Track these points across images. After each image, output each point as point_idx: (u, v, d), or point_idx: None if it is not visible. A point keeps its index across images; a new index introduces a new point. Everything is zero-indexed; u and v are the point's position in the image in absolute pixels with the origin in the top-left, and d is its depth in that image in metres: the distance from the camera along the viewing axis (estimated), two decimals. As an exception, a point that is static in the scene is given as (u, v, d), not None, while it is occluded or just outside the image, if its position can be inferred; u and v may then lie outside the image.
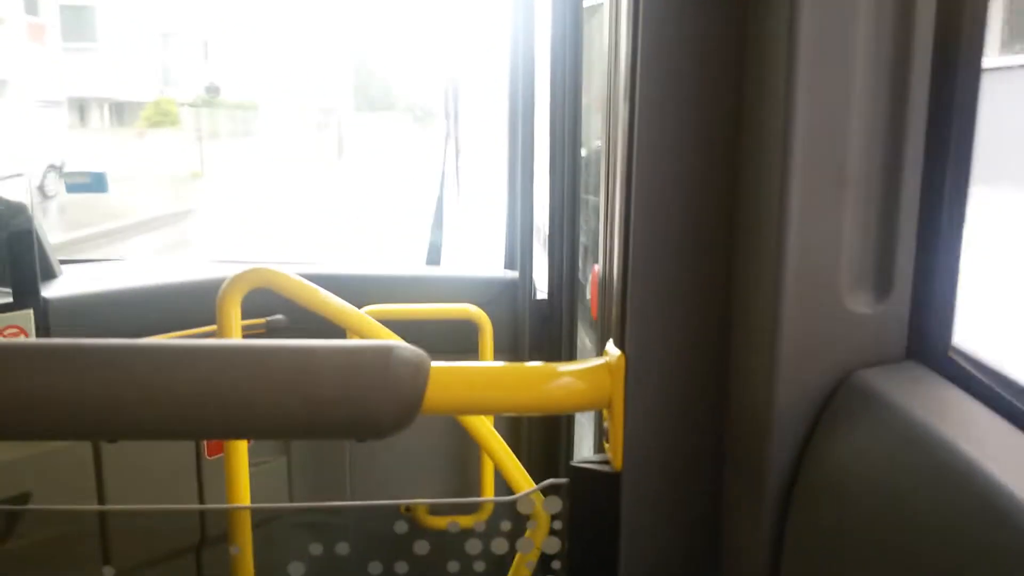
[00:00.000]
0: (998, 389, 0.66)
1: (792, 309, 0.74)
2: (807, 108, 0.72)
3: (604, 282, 0.99)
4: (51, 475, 1.91)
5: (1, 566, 1.82)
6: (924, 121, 0.73)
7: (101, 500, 2.02)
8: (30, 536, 1.86)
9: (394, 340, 0.91)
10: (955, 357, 0.73)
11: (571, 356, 2.29)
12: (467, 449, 2.32)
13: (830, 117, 0.72)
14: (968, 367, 0.71)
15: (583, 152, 2.30)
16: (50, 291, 1.99)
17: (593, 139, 2.46)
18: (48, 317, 1.93)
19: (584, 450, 2.42)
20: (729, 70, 0.82)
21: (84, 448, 1.97)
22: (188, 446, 2.14)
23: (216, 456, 2.15)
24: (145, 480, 2.04)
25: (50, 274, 2.15)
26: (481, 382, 0.90)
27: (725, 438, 0.88)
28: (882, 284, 0.75)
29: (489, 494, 2.21)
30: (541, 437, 2.35)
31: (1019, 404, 0.64)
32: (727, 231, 0.84)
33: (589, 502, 0.92)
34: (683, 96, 0.82)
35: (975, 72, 0.72)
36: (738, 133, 0.82)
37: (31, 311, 1.89)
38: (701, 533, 0.91)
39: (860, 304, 0.75)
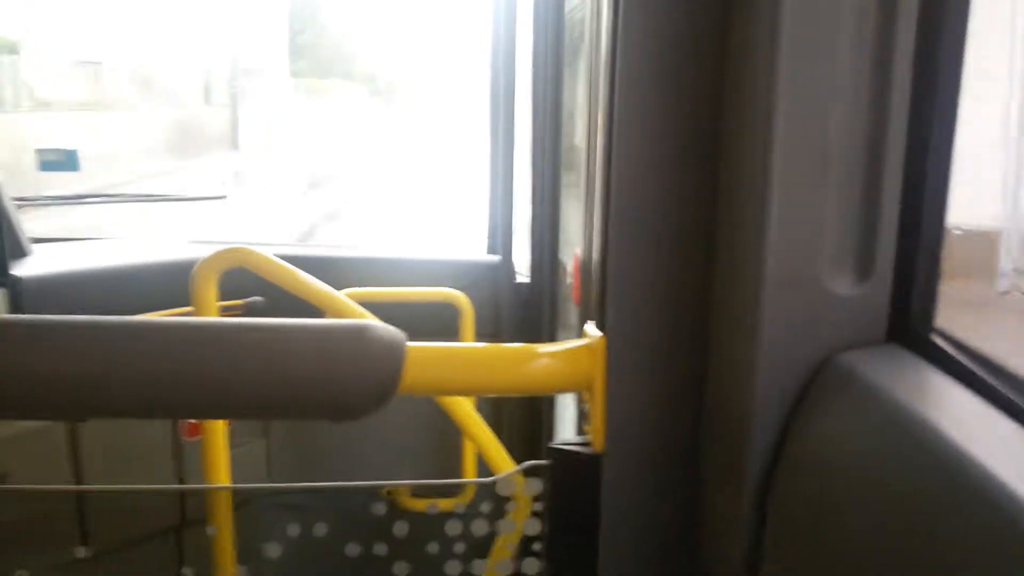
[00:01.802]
0: (979, 371, 0.66)
1: (772, 290, 0.74)
2: (789, 89, 0.71)
3: (585, 265, 0.99)
4: (27, 457, 1.89)
5: None
6: (907, 101, 0.73)
7: (78, 481, 2.00)
8: (5, 516, 1.83)
9: (370, 319, 0.90)
10: (936, 339, 0.73)
11: (552, 339, 2.29)
12: (448, 431, 2.32)
13: (812, 98, 0.72)
14: (949, 349, 0.71)
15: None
16: (21, 270, 1.96)
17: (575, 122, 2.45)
18: (19, 296, 1.90)
19: (565, 432, 2.43)
20: (711, 51, 0.81)
21: (60, 430, 1.95)
22: (166, 428, 2.13)
23: (195, 439, 2.13)
24: (123, 463, 2.02)
25: (20, 253, 2.12)
26: (460, 362, 0.90)
27: (705, 419, 0.88)
28: (863, 266, 0.75)
29: (470, 475, 2.21)
30: (522, 419, 2.35)
31: (1000, 386, 0.64)
32: (708, 212, 0.84)
33: (570, 483, 0.92)
34: (663, 77, 0.82)
35: (958, 52, 0.72)
36: (719, 114, 0.82)
37: (1, 290, 1.86)
38: (682, 514, 0.91)
39: (841, 286, 0.75)
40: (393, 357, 0.81)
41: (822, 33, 0.71)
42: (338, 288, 1.76)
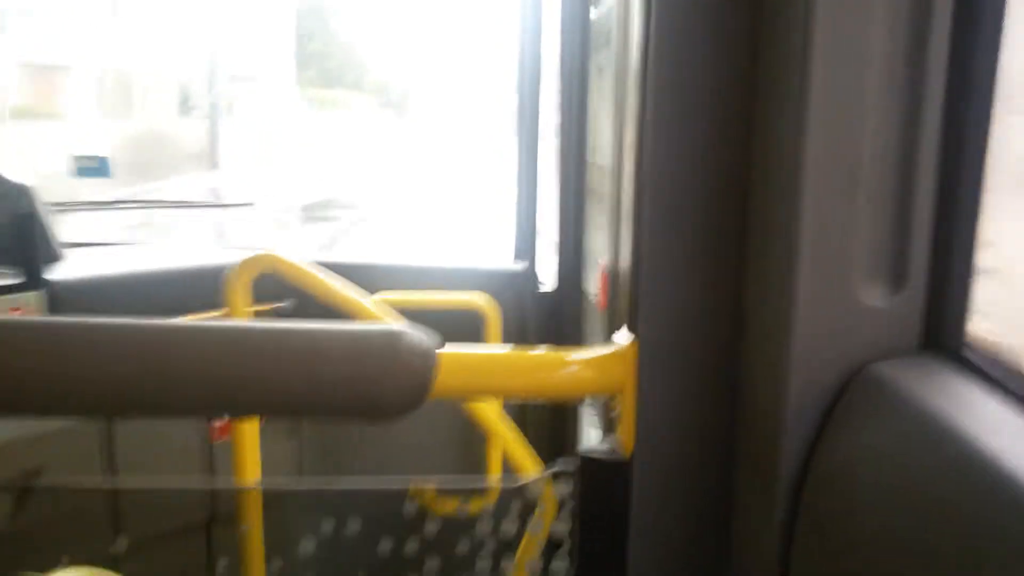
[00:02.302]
0: (1015, 381, 0.66)
1: (805, 300, 0.74)
2: (821, 98, 0.71)
3: (613, 271, 0.99)
4: (62, 454, 1.92)
5: (12, 542, 1.83)
6: (940, 109, 0.73)
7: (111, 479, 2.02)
8: (41, 512, 1.86)
9: (404, 325, 0.91)
10: (971, 349, 0.73)
11: (578, 346, 2.29)
12: (475, 434, 2.33)
13: (845, 107, 0.72)
14: (984, 359, 0.70)
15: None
16: (54, 274, 1.99)
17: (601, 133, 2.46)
18: (53, 300, 1.93)
19: (590, 434, 2.42)
20: (743, 60, 0.81)
21: (94, 428, 1.97)
22: (198, 428, 2.15)
23: (225, 439, 2.15)
24: (156, 462, 2.04)
25: (54, 257, 2.15)
26: (491, 367, 0.90)
27: (736, 428, 0.88)
28: (896, 276, 0.75)
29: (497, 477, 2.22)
30: (547, 421, 2.35)
31: None
32: (740, 220, 0.84)
33: (599, 488, 0.92)
34: (696, 86, 0.82)
35: (992, 61, 0.72)
36: (752, 122, 0.82)
37: (36, 294, 1.89)
38: (711, 522, 0.91)
39: (874, 296, 0.75)
40: (426, 362, 0.82)
41: (854, 42, 0.71)
42: (365, 294, 1.78)
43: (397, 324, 0.85)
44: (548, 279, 2.41)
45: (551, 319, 2.37)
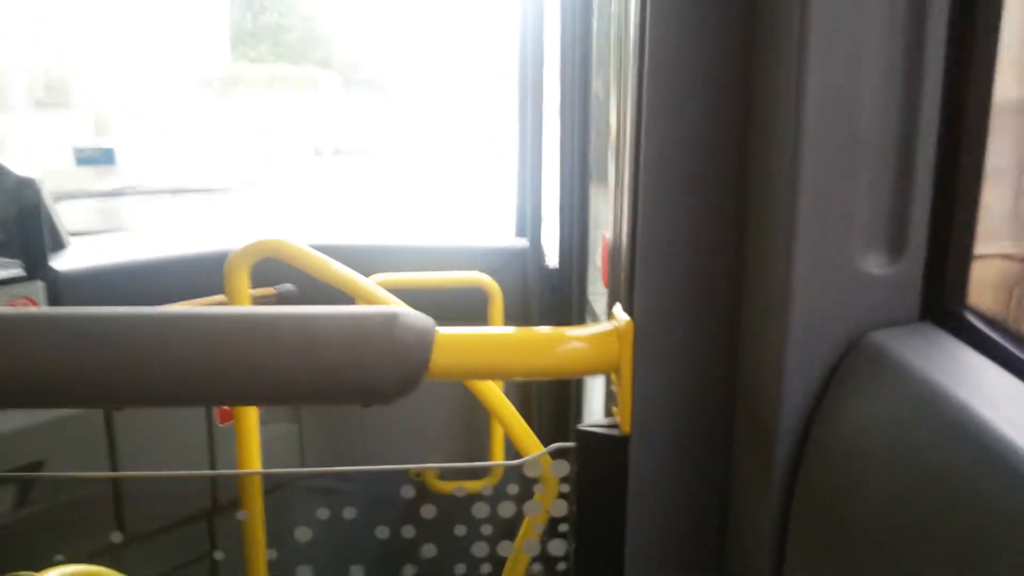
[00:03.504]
0: (1015, 350, 0.65)
1: (803, 270, 0.73)
2: (818, 66, 0.70)
3: (614, 247, 0.98)
4: (63, 443, 1.94)
5: (15, 532, 1.85)
6: (940, 76, 0.71)
7: (113, 468, 2.04)
8: (43, 503, 1.88)
9: (399, 306, 0.91)
10: (971, 317, 0.72)
11: (581, 323, 2.29)
12: (477, 414, 2.34)
13: (842, 74, 0.70)
14: (984, 327, 0.69)
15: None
16: (59, 263, 2.01)
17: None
18: (58, 288, 1.95)
19: (594, 413, 2.43)
20: (739, 31, 0.80)
21: (96, 416, 1.99)
22: (199, 413, 2.17)
23: (228, 423, 2.17)
24: (157, 447, 2.06)
25: (59, 245, 2.17)
26: (487, 347, 0.90)
27: (735, 401, 0.87)
28: (896, 244, 0.74)
29: (499, 459, 2.23)
30: (551, 401, 2.36)
31: None
32: (737, 192, 0.83)
33: (597, 465, 0.92)
34: (693, 57, 0.81)
35: (993, 28, 0.70)
36: (749, 92, 0.81)
37: (41, 283, 1.91)
38: (709, 496, 0.90)
39: (873, 265, 0.74)
40: (422, 343, 0.82)
41: (853, 8, 0.69)
42: (368, 276, 1.78)
43: (393, 306, 0.85)
44: (551, 255, 2.41)
45: (555, 295, 2.36)
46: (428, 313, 0.84)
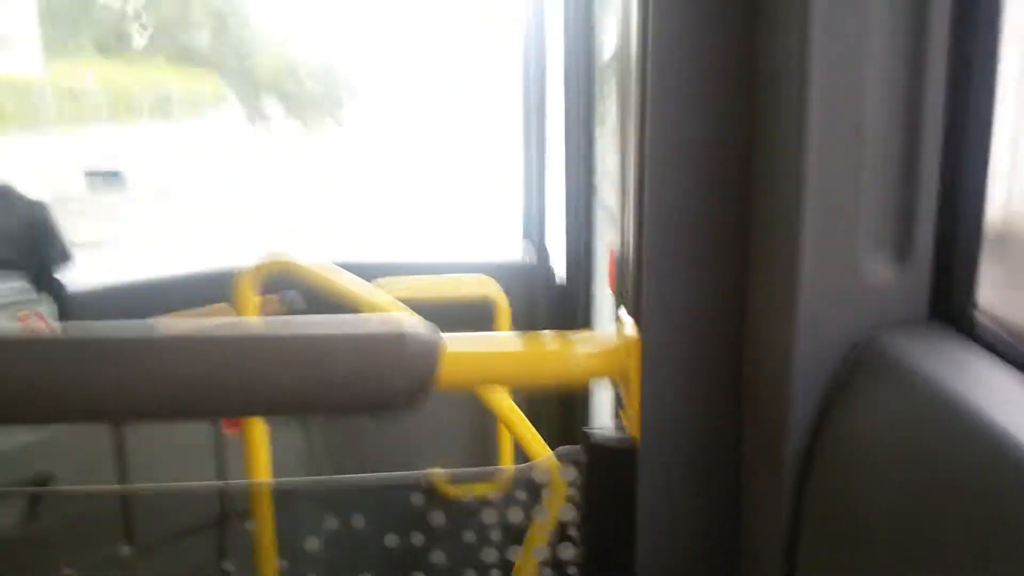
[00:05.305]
0: (1023, 350, 0.65)
1: (810, 273, 0.73)
2: (821, 68, 0.70)
3: (621, 255, 0.98)
4: (72, 455, 1.95)
5: (25, 546, 1.85)
6: (944, 77, 0.71)
7: (122, 478, 2.05)
8: (53, 515, 1.89)
9: (407, 316, 0.91)
10: (979, 318, 0.71)
11: (586, 326, 2.29)
12: (486, 420, 2.33)
13: (846, 75, 0.70)
14: (993, 328, 0.69)
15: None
16: (67, 280, 2.03)
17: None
18: (65, 302, 1.98)
19: (602, 418, 2.43)
20: (741, 34, 0.80)
21: (104, 427, 2.01)
22: (207, 427, 2.17)
23: (236, 432, 2.17)
24: (166, 457, 2.07)
25: (64, 259, 2.19)
26: (495, 357, 0.90)
27: (743, 405, 0.87)
28: (903, 245, 0.74)
29: (508, 464, 2.22)
30: (559, 406, 2.36)
31: None
32: (742, 197, 0.83)
33: (605, 470, 0.91)
34: (695, 63, 0.81)
35: (996, 24, 0.70)
36: (752, 97, 0.81)
37: (50, 297, 1.94)
38: (719, 501, 0.90)
39: (880, 266, 0.74)
40: (429, 355, 0.82)
41: (855, 9, 0.69)
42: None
43: (400, 319, 0.85)
44: (558, 264, 2.41)
45: (562, 306, 2.36)
46: (434, 315, 0.85)
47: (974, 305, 0.73)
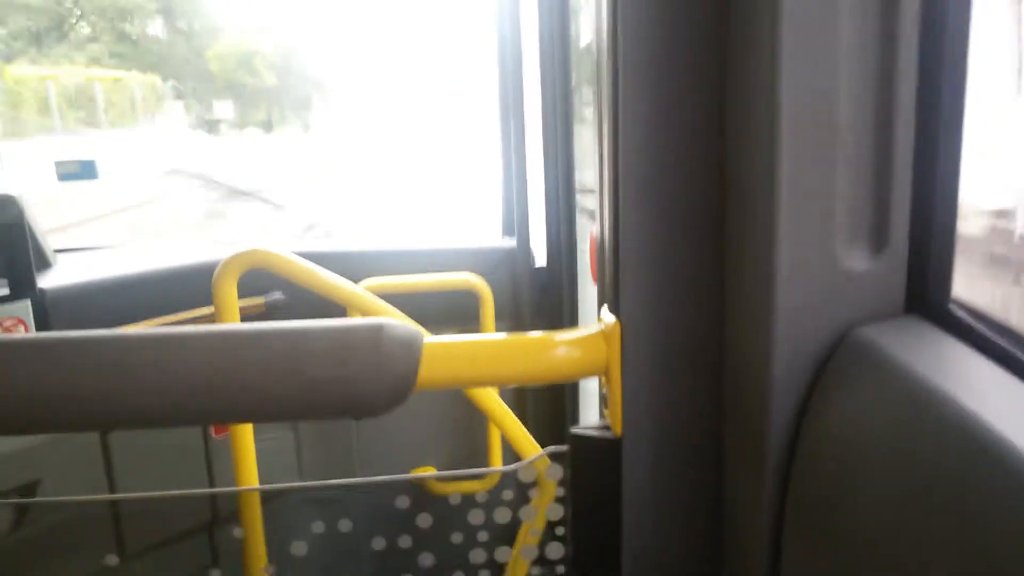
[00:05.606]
0: (1000, 341, 0.65)
1: (786, 267, 0.73)
2: (793, 62, 0.70)
3: (599, 248, 0.98)
4: (60, 462, 1.93)
5: (14, 554, 1.84)
6: (915, 68, 0.72)
7: (111, 484, 2.04)
8: (41, 523, 1.87)
9: (386, 317, 0.90)
10: (955, 310, 0.72)
11: (572, 321, 2.29)
12: (474, 418, 2.34)
13: (817, 69, 0.71)
14: (969, 319, 0.70)
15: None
16: (46, 281, 1.99)
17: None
18: (45, 307, 1.94)
19: (590, 414, 2.44)
20: (714, 27, 0.80)
21: (92, 435, 1.98)
22: (195, 428, 2.16)
23: (224, 436, 2.16)
24: (154, 462, 2.06)
25: (45, 264, 2.15)
26: (475, 355, 0.90)
27: (724, 400, 0.87)
28: (878, 238, 0.74)
29: (497, 463, 2.23)
30: (547, 403, 2.36)
31: (1022, 356, 0.63)
32: (717, 191, 0.83)
33: (591, 467, 0.92)
34: (667, 55, 0.80)
35: (965, 16, 0.71)
36: (724, 91, 0.81)
37: (28, 302, 1.90)
38: (703, 495, 0.91)
39: (856, 260, 0.74)
40: (409, 355, 0.82)
41: (826, 1, 0.70)
42: (356, 282, 1.77)
43: (380, 318, 0.85)
44: (539, 254, 2.41)
45: (546, 295, 2.36)
46: (419, 317, 0.84)
47: (950, 297, 0.74)
